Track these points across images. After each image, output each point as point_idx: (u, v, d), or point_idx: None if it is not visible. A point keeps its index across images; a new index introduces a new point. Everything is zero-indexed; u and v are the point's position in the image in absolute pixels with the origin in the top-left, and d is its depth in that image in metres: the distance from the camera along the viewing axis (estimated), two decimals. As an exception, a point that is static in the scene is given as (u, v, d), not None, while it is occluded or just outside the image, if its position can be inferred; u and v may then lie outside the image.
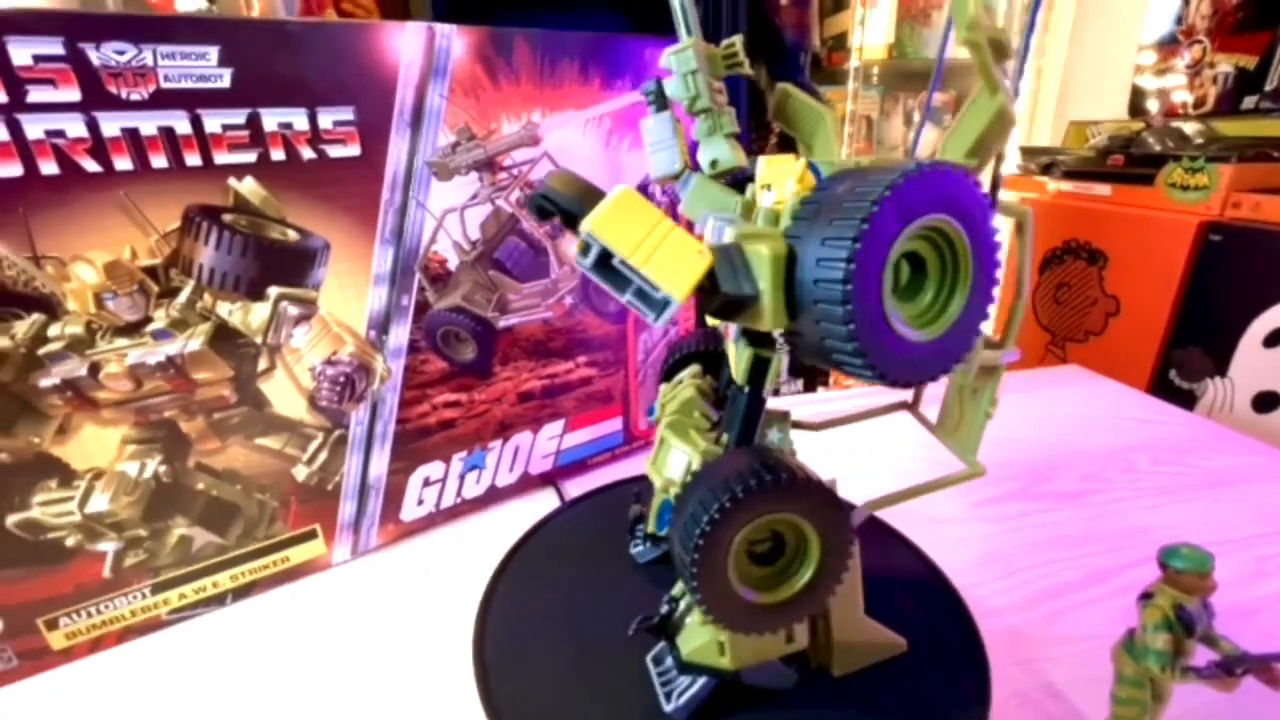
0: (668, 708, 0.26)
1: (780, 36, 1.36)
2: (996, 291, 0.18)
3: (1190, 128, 1.10)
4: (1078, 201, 1.16)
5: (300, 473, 0.38)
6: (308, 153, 0.33)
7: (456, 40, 0.35)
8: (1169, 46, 1.17)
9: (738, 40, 0.26)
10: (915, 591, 0.34)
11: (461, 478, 0.44)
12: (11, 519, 0.30)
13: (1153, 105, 1.22)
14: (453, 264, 0.39)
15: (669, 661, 0.26)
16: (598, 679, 0.28)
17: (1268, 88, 1.02)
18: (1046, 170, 1.28)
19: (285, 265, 0.34)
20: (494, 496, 0.46)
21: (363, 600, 0.38)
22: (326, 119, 0.33)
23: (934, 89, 0.26)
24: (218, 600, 0.37)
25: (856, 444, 0.55)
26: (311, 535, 0.39)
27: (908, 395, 0.32)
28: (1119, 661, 0.24)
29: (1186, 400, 0.95)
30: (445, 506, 0.44)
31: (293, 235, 0.34)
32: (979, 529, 0.43)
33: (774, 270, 0.18)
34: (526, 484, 0.48)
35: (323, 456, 0.38)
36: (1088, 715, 0.29)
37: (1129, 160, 1.09)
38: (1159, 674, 0.23)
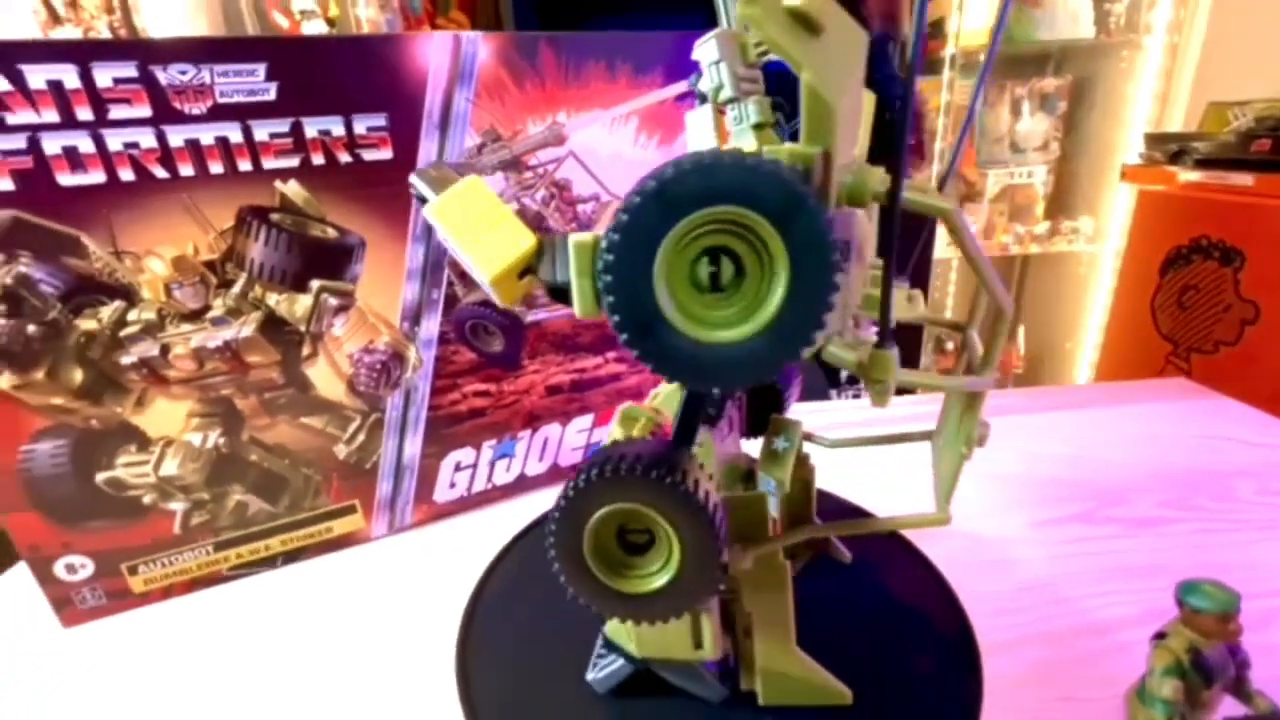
0: (588, 675, 0.27)
1: (867, 26, 1.30)
2: (838, 298, 0.16)
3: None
4: (1211, 193, 1.03)
5: (341, 451, 0.41)
6: (345, 157, 0.36)
7: (482, 46, 0.37)
8: (1337, 11, 1.00)
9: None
10: (917, 618, 0.31)
11: (492, 465, 0.46)
12: (100, 476, 0.36)
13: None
14: (481, 260, 0.41)
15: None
16: (578, 673, 0.28)
17: None
18: (1175, 159, 1.14)
19: (325, 260, 0.37)
20: (524, 485, 0.48)
21: (397, 573, 0.41)
22: (361, 125, 0.35)
23: (985, 75, 0.23)
24: (269, 562, 0.41)
25: (891, 462, 0.52)
26: (351, 510, 0.43)
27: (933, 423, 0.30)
28: (1131, 709, 0.22)
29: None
30: (476, 491, 0.46)
31: (332, 233, 0.37)
32: (1031, 551, 0.39)
33: (580, 259, 0.17)
34: (556, 475, 0.49)
35: (361, 437, 0.41)
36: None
37: (1276, 144, 0.95)
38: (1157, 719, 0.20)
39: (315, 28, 1.32)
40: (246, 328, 0.36)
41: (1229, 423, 0.54)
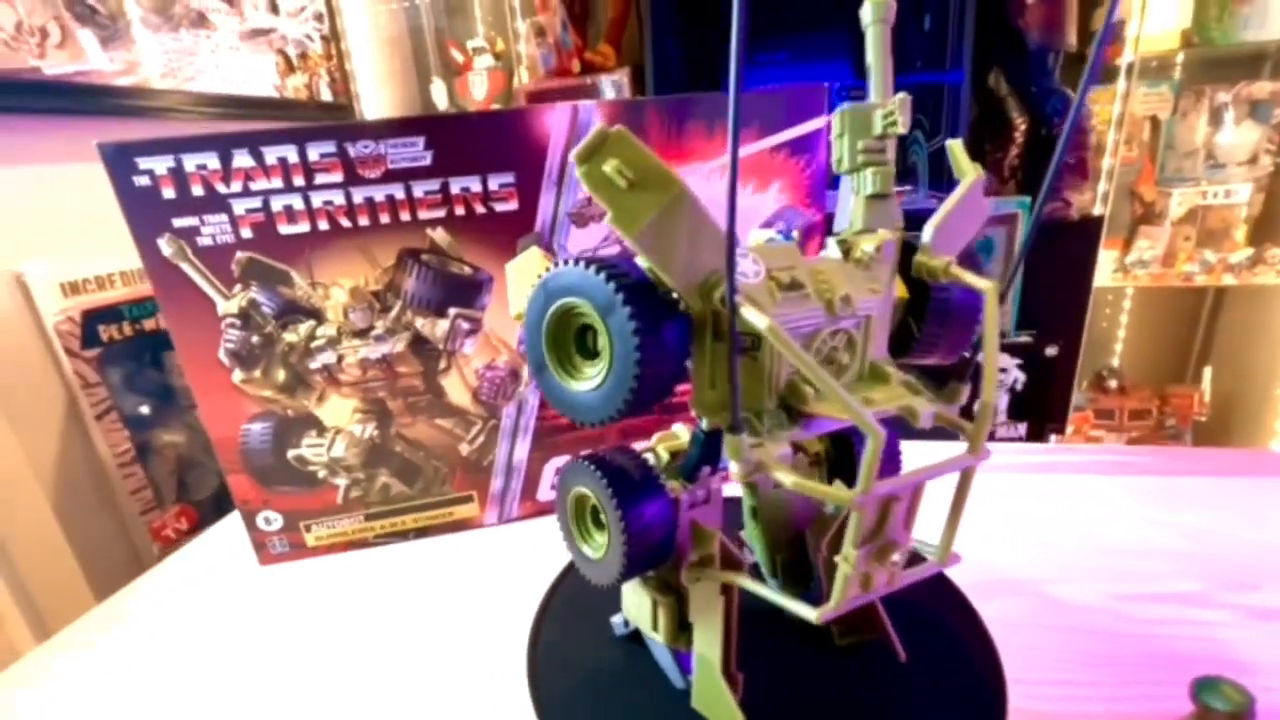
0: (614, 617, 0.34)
1: (1021, 39, 1.21)
2: (632, 374, 0.21)
3: None
4: None
5: (464, 449, 0.49)
6: (480, 209, 0.43)
7: (595, 114, 0.42)
8: None
9: (896, 102, 0.25)
10: (943, 680, 0.32)
11: (587, 473, 0.52)
12: (290, 453, 0.46)
13: None
14: (586, 294, 0.47)
15: None
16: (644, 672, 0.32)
17: None
18: None
19: (461, 292, 0.45)
20: (614, 493, 0.53)
21: (503, 557, 0.48)
22: (494, 183, 0.43)
23: (1088, 82, 0.23)
24: (403, 535, 0.50)
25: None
26: (469, 499, 0.50)
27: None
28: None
29: None
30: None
31: (468, 270, 0.44)
32: (1101, 623, 0.37)
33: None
34: (644, 487, 0.54)
35: (481, 439, 0.49)
36: None
37: None
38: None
39: (484, 62, 1.50)
40: (399, 344, 0.45)
41: None
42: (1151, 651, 0.35)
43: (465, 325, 0.46)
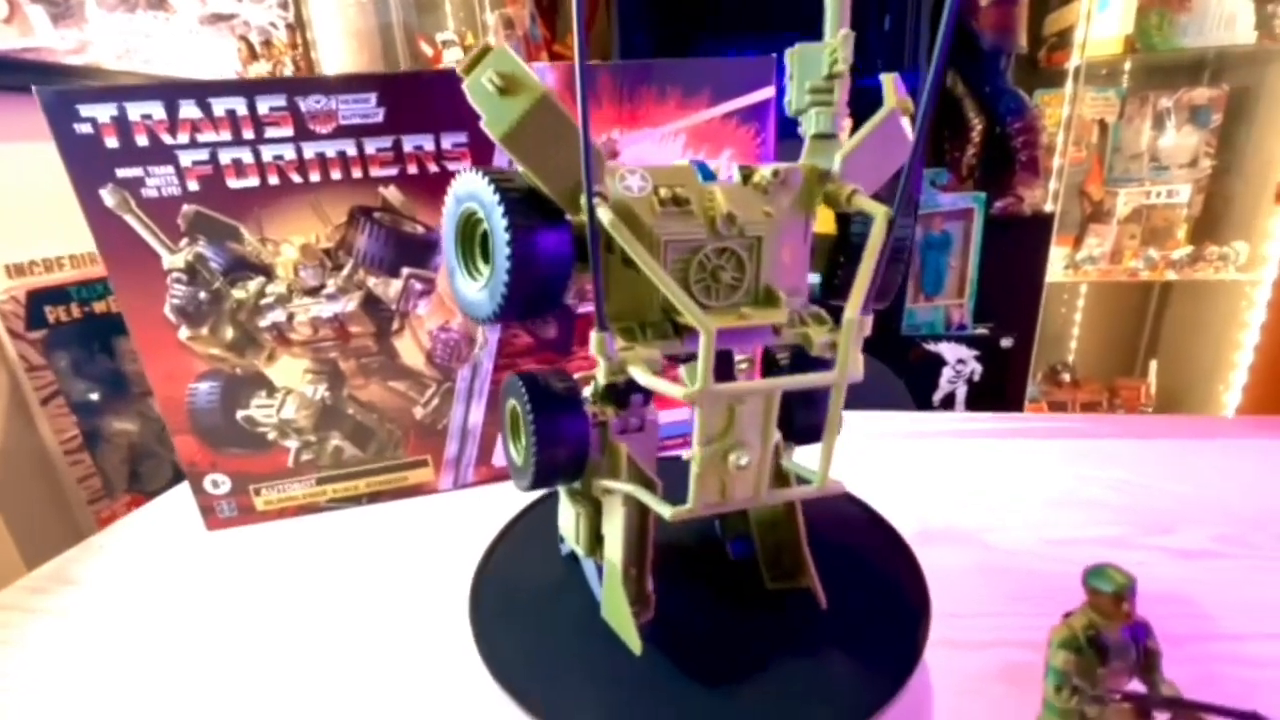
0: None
1: (975, 40, 1.26)
2: (506, 275, 0.24)
3: None
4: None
5: (418, 412, 0.49)
6: (433, 168, 0.43)
7: (548, 75, 0.43)
8: None
9: (839, 39, 0.26)
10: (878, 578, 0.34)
11: (543, 438, 0.52)
12: (239, 413, 0.46)
13: None
14: (540, 257, 0.48)
15: None
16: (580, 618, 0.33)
17: None
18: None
19: (414, 252, 0.45)
20: (571, 459, 0.54)
21: (458, 523, 0.48)
22: (447, 142, 0.43)
23: (936, 81, 0.25)
24: (356, 499, 0.50)
25: (908, 460, 0.53)
26: (424, 463, 0.50)
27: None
28: (1046, 689, 0.23)
29: None
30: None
31: (420, 229, 0.45)
32: (1036, 564, 0.39)
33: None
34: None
35: (435, 402, 0.49)
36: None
37: None
38: (1053, 695, 0.21)
39: (454, 55, 1.50)
40: (351, 303, 0.45)
41: (1328, 464, 0.49)
42: (1068, 586, 0.37)
43: (418, 286, 0.46)
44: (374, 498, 0.50)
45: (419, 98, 0.42)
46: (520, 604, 0.34)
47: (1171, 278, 1.45)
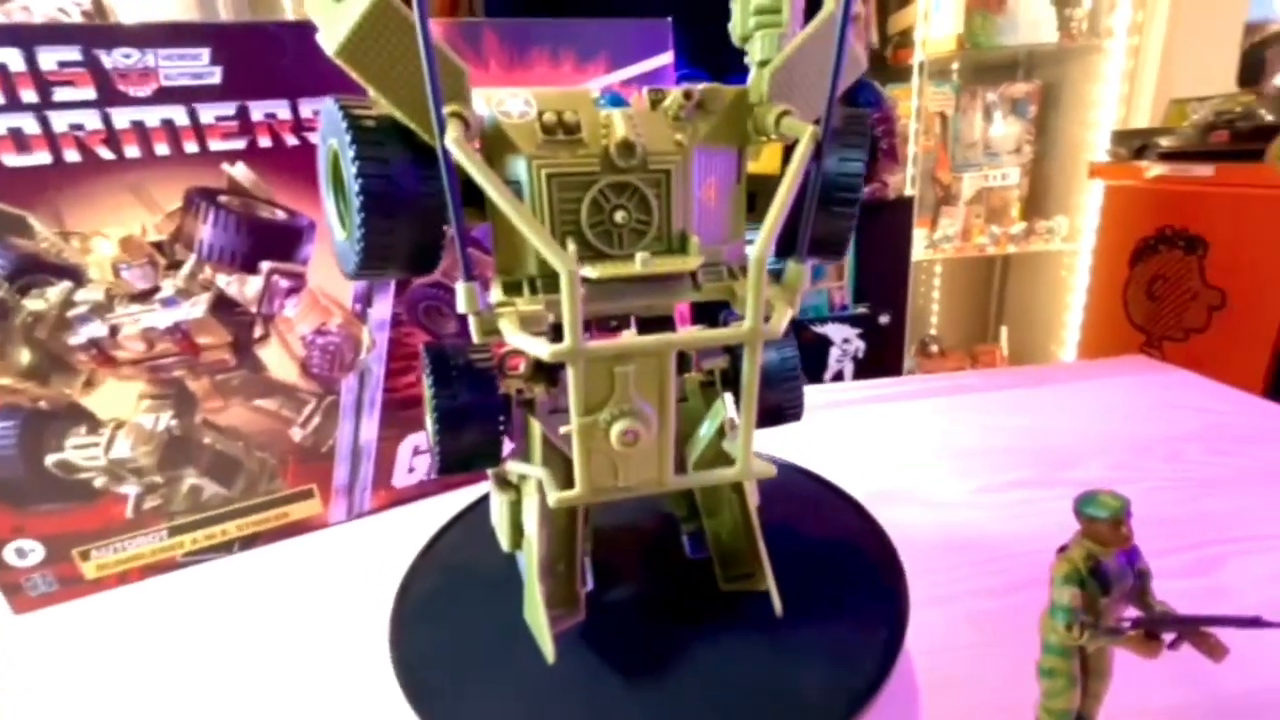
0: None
1: (834, 35, 1.34)
2: (359, 217, 0.20)
3: (1310, 95, 0.96)
4: (1174, 185, 1.05)
5: (296, 434, 0.41)
6: (292, 140, 0.37)
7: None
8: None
9: None
10: (847, 550, 0.32)
11: (450, 449, 0.46)
12: (50, 459, 0.36)
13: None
14: (432, 242, 0.42)
15: None
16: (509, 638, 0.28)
17: None
18: (1140, 154, 1.16)
19: (275, 242, 0.38)
20: (485, 469, 0.48)
21: (356, 559, 0.41)
22: (308, 109, 0.36)
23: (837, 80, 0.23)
24: (225, 547, 0.41)
25: (857, 430, 0.53)
26: (308, 494, 0.43)
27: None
28: (1044, 629, 0.22)
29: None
30: (435, 476, 0.46)
31: (280, 215, 0.38)
32: (971, 514, 0.40)
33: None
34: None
35: (316, 420, 0.42)
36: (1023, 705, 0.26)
37: (1235, 135, 0.98)
38: (1065, 634, 0.20)
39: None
40: (197, 308, 0.37)
41: (1180, 391, 0.55)
42: (1007, 530, 0.38)
43: (284, 283, 0.39)
44: (248, 542, 0.42)
45: (267, 54, 0.35)
46: (449, 603, 0.30)
47: (1012, 251, 1.63)
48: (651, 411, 0.22)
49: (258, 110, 0.35)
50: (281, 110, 0.36)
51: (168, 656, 0.34)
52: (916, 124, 1.50)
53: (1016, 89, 1.65)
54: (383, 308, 0.41)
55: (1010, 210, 1.68)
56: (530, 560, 0.26)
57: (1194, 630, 0.19)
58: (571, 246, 0.22)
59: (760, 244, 0.19)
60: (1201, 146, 1.03)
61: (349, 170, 0.21)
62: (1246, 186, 0.91)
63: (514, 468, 0.27)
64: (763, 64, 0.23)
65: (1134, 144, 1.19)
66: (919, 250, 1.58)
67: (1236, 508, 0.38)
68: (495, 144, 0.22)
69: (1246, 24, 1.15)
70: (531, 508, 0.26)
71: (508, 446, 0.27)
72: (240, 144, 0.36)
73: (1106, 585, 0.20)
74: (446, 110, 0.19)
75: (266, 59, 0.35)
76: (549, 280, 0.23)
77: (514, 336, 0.21)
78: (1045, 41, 1.50)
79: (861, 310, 1.50)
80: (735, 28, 0.24)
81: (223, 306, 0.38)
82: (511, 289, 0.23)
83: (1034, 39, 1.50)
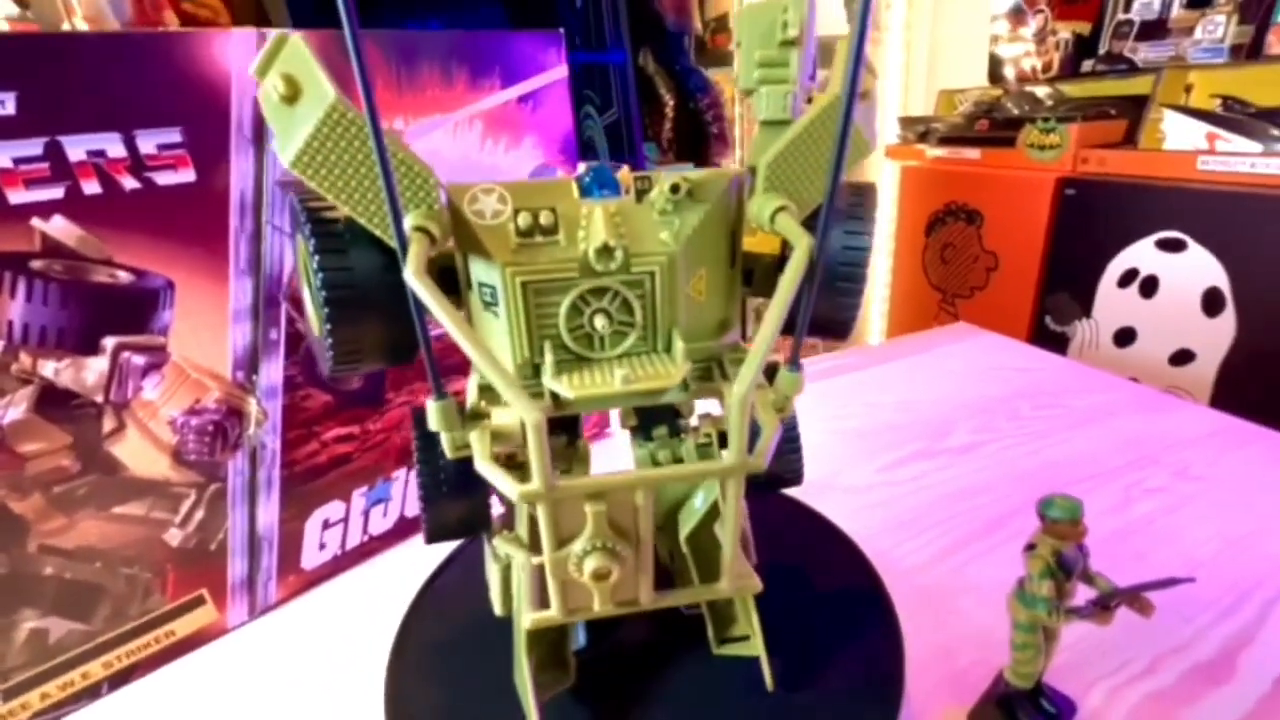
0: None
1: (661, 21, 1.37)
2: (326, 320, 0.20)
3: (1041, 91, 1.19)
4: (952, 166, 1.24)
5: (174, 537, 0.34)
6: (130, 182, 0.29)
7: (295, 46, 0.32)
8: (1016, 15, 1.26)
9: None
10: (827, 565, 0.34)
11: (366, 514, 0.41)
12: None
13: (1009, 72, 1.32)
14: (324, 289, 0.36)
15: None
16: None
17: (1101, 51, 1.12)
18: (923, 138, 1.36)
19: (120, 311, 0.30)
20: (406, 528, 0.44)
21: (267, 662, 0.35)
22: (148, 143, 0.29)
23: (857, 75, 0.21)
24: (90, 693, 0.33)
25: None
26: (199, 602, 0.36)
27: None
28: (1013, 610, 0.26)
29: (1060, 342, 1.05)
30: (351, 547, 0.41)
31: (124, 277, 0.30)
32: (886, 494, 0.45)
33: None
34: (439, 509, 0.45)
35: (199, 515, 0.34)
36: (994, 661, 0.31)
37: (992, 124, 1.18)
38: (1048, 619, 0.24)
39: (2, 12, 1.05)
40: (16, 409, 0.28)
41: (1000, 354, 0.67)
42: (919, 505, 0.44)
43: (138, 360, 0.31)
44: (123, 677, 0.34)
45: (85, 74, 0.27)
46: (449, 658, 0.29)
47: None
48: (626, 550, 0.21)
49: (76, 148, 0.27)
50: (113, 146, 0.28)
51: None
52: (740, 108, 1.59)
53: (820, 75, 1.83)
54: (273, 371, 0.35)
55: (821, 186, 1.87)
56: (519, 631, 0.24)
57: (1132, 596, 0.24)
58: (550, 357, 0.21)
59: (742, 383, 0.18)
60: (969, 133, 1.23)
61: (313, 271, 0.19)
62: (1006, 168, 1.11)
63: (501, 546, 0.25)
64: (767, 124, 0.22)
65: (917, 129, 1.38)
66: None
67: (1069, 453, 0.48)
68: (468, 242, 0.20)
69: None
70: (522, 579, 0.24)
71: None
72: (55, 192, 0.27)
73: (1069, 572, 0.24)
74: (410, 224, 0.18)
75: (84, 80, 0.27)
76: (530, 381, 0.21)
77: (482, 466, 0.19)
78: (836, 33, 1.67)
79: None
80: (739, 79, 0.22)
81: (53, 401, 0.29)
82: (487, 390, 0.22)
83: (829, 31, 1.66)
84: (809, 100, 0.21)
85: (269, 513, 0.37)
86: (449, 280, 0.22)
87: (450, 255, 0.21)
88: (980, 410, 0.55)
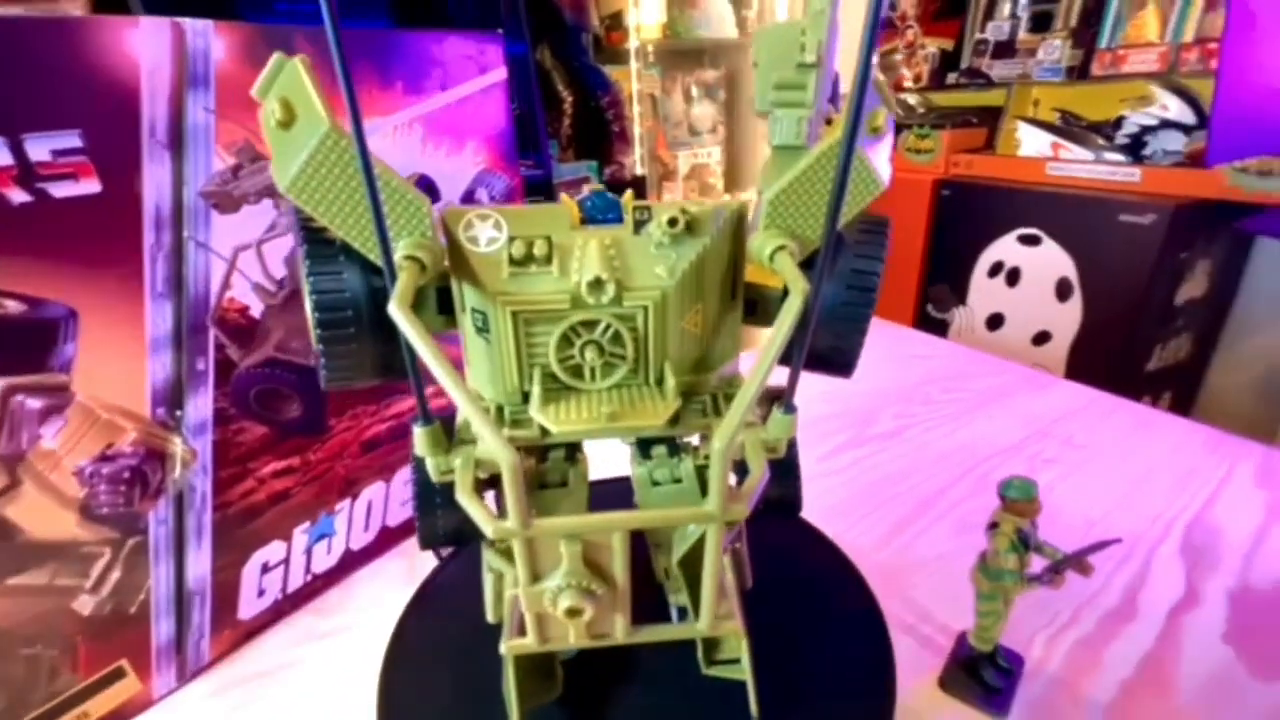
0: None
1: (560, 17, 1.35)
2: (319, 335, 0.20)
3: (913, 99, 1.31)
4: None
5: (85, 604, 0.29)
6: (18, 195, 0.24)
7: (215, 40, 0.28)
8: (889, 30, 1.38)
9: (808, 19, 0.20)
10: (824, 584, 0.34)
11: (308, 552, 0.38)
12: None
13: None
14: (256, 311, 0.33)
15: None
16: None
17: (963, 66, 1.25)
18: (812, 140, 1.44)
19: (9, 348, 0.25)
20: (351, 562, 0.41)
21: (207, 731, 0.31)
22: (40, 149, 0.25)
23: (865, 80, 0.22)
24: (-14, 800, 0.28)
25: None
26: (118, 675, 0.31)
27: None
28: (977, 582, 0.29)
29: (941, 328, 1.16)
30: (294, 589, 0.38)
31: (14, 306, 0.25)
32: (827, 483, 0.48)
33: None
34: (387, 539, 0.42)
35: (114, 576, 0.30)
36: (954, 626, 0.34)
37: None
38: (1013, 588, 0.27)
39: None
40: (-126, 476, 0.23)
41: (902, 343, 0.73)
42: (857, 492, 0.47)
43: (34, 403, 0.26)
44: (27, 778, 0.29)
45: (-47, 68, 0.22)
46: (443, 661, 0.29)
47: (724, 219, 1.89)
48: (601, 588, 0.21)
49: (-52, 155, 0.23)
50: (-5, 153, 0.24)
51: None
52: (639, 106, 1.61)
53: (708, 75, 1.89)
54: (201, 405, 0.31)
55: (717, 185, 1.94)
56: (506, 643, 0.24)
57: (1076, 561, 0.27)
58: (537, 388, 0.21)
59: (722, 437, 0.18)
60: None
61: (306, 291, 0.20)
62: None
63: (492, 561, 0.25)
64: (781, 149, 0.21)
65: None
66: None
67: (980, 432, 0.54)
68: (461, 268, 0.20)
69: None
70: (512, 589, 0.24)
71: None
72: (-79, 209, 0.22)
73: (1027, 545, 0.27)
74: (400, 254, 0.18)
75: (-46, 75, 0.22)
76: (519, 408, 0.22)
77: (463, 498, 0.19)
78: (728, 36, 1.73)
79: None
80: (756, 100, 0.22)
81: (-75, 460, 0.24)
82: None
83: (720, 34, 1.72)
84: (828, 122, 0.21)
85: (200, 563, 0.33)
86: (448, 300, 0.21)
87: (448, 276, 0.21)
88: (899, 397, 0.60)
